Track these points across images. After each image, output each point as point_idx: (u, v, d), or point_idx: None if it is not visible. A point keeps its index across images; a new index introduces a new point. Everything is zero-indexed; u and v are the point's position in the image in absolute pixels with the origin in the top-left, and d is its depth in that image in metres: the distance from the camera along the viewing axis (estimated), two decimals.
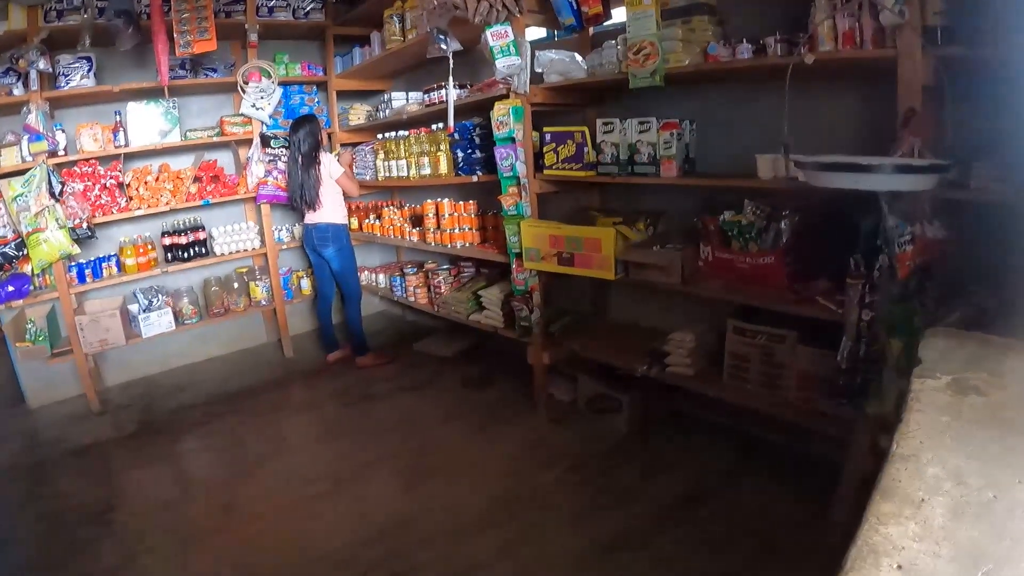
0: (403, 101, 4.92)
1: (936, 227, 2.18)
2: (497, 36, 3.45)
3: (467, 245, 4.42)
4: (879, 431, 2.30)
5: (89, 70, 4.62)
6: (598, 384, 3.76)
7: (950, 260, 2.22)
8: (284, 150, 5.14)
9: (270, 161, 5.17)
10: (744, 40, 2.73)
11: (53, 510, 3.45)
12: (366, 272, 5.80)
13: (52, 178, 4.31)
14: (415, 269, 5.15)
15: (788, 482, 3.02)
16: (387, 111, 5.04)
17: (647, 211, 3.61)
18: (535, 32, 4.20)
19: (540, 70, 3.55)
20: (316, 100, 5.64)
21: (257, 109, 5.08)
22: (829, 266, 2.63)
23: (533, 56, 3.51)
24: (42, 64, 4.28)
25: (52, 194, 4.29)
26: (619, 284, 3.57)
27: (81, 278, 4.67)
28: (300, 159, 4.72)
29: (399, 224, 5.12)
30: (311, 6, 5.34)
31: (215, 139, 5.14)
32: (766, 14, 2.94)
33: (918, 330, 2.13)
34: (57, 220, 4.29)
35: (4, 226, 4.31)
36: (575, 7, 3.31)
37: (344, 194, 4.93)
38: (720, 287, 3.02)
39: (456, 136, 4.20)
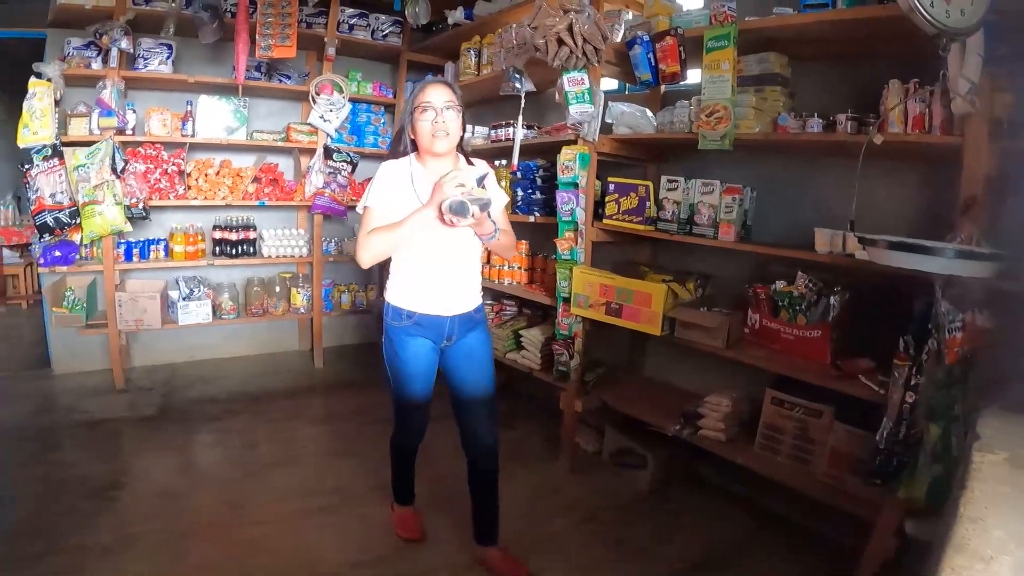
0: (468, 134, 5.06)
1: (985, 316, 2.28)
2: (573, 82, 3.60)
3: (515, 283, 4.52)
4: (906, 515, 2.36)
5: (168, 57, 4.95)
6: (625, 438, 3.84)
7: (993, 351, 2.28)
8: (346, 164, 5.43)
9: (330, 173, 5.43)
10: (815, 114, 2.86)
11: (57, 477, 3.56)
12: None
13: (116, 154, 4.58)
14: None
15: (801, 560, 3.07)
16: None
17: (696, 272, 3.73)
18: (606, 83, 4.39)
19: (610, 121, 3.72)
20: (382, 121, 5.94)
21: (325, 121, 5.34)
22: (872, 345, 2.74)
23: (606, 106, 3.69)
24: (124, 44, 4.59)
25: (114, 170, 4.56)
26: (658, 341, 3.70)
27: (128, 256, 4.93)
28: None
29: None
30: (389, 29, 5.67)
31: (279, 143, 5.41)
32: (835, 91, 3.13)
33: (957, 418, 2.22)
34: (115, 196, 4.54)
35: (62, 192, 4.54)
36: (653, 64, 3.46)
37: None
38: (762, 355, 3.11)
39: (518, 175, 4.35)
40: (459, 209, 2.26)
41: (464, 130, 2.64)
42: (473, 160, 2.74)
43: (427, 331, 2.70)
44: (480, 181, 2.36)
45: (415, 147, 2.62)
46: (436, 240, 2.55)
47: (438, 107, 2.48)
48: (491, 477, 2.92)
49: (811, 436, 2.94)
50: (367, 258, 2.52)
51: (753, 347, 3.21)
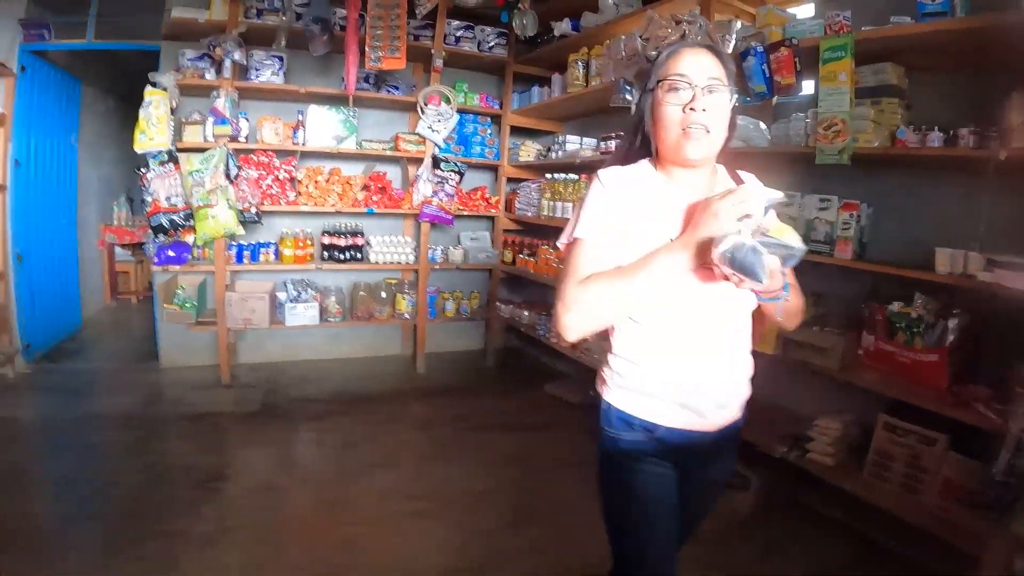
0: (577, 145, 5.24)
1: None
2: None
3: None
4: (1018, 551, 2.29)
5: (279, 68, 5.29)
6: None
7: None
8: (453, 173, 5.63)
9: (438, 182, 5.64)
10: (935, 128, 2.80)
11: (162, 465, 3.82)
12: (511, 307, 6.05)
13: (230, 161, 4.91)
14: None
15: None
16: (559, 152, 5.38)
17: (808, 290, 3.66)
18: None
19: None
20: (488, 131, 6.13)
21: (433, 131, 5.57)
22: (986, 371, 2.69)
23: None
24: (237, 55, 4.92)
25: (227, 176, 4.88)
26: (767, 360, 3.64)
27: (239, 258, 5.25)
28: None
29: (555, 265, 5.23)
30: (495, 41, 5.85)
31: (388, 153, 5.66)
32: (952, 103, 3.04)
33: None
34: (228, 200, 4.86)
35: (177, 196, 4.92)
36: (767, 75, 3.46)
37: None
38: (875, 379, 3.06)
39: None
40: (749, 263, 1.35)
41: (733, 129, 1.65)
42: (740, 173, 1.79)
43: (673, 453, 1.70)
44: (768, 208, 1.42)
45: (654, 148, 1.66)
46: (691, 297, 1.58)
47: (698, 85, 1.52)
48: None
49: (923, 464, 2.87)
50: (580, 324, 1.54)
51: (866, 369, 3.16)
